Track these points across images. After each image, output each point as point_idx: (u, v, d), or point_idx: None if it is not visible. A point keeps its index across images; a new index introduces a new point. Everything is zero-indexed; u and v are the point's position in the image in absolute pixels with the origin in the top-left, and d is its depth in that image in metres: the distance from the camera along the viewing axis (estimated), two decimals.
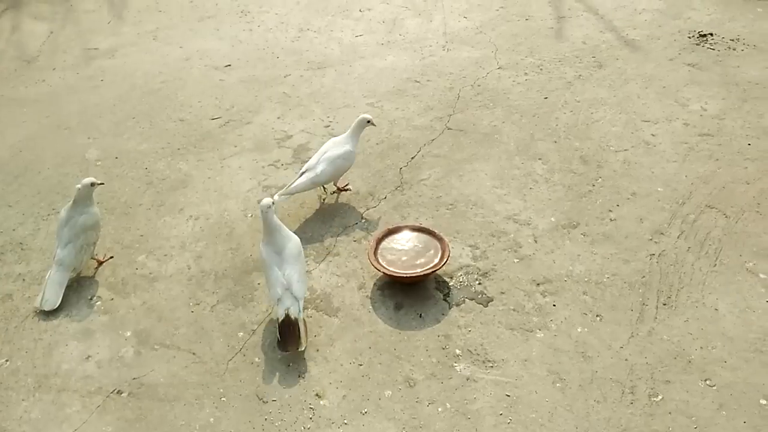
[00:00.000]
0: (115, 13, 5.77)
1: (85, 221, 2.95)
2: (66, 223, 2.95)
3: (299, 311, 2.60)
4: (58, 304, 2.89)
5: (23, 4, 6.04)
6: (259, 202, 2.82)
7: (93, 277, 3.06)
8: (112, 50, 5.14)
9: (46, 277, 2.93)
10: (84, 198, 2.96)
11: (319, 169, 3.21)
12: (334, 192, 3.45)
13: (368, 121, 3.28)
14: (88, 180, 2.97)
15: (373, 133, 3.89)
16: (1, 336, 2.80)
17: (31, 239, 3.31)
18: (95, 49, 5.18)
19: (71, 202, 2.97)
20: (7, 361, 2.69)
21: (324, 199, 3.41)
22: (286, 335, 2.57)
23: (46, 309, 2.89)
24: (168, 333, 2.77)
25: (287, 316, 2.58)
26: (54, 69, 4.92)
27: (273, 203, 2.71)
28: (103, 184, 3.10)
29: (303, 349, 2.57)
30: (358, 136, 3.31)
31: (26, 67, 4.98)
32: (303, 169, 3.27)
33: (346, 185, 3.47)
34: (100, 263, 3.11)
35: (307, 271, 2.87)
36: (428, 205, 3.36)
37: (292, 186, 3.21)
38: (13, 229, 3.38)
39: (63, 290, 2.92)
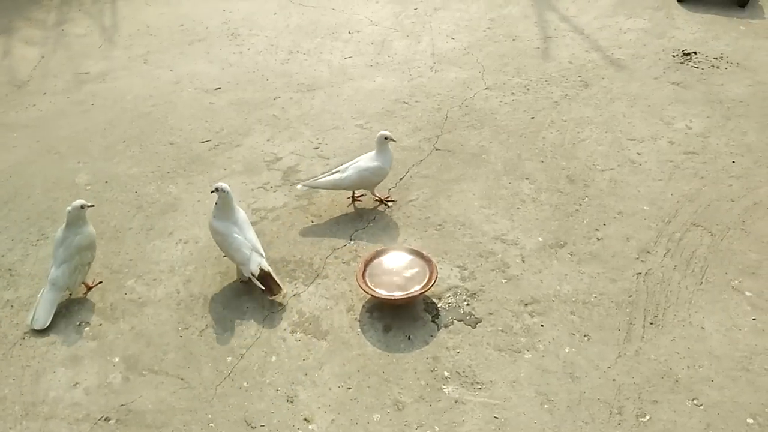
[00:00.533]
0: (107, 37, 5.82)
1: (80, 241, 2.97)
2: (61, 243, 2.97)
3: (266, 264, 2.97)
4: (48, 323, 2.91)
5: (15, 29, 6.08)
6: (218, 189, 2.99)
7: (83, 301, 3.06)
8: (103, 74, 5.17)
9: (39, 295, 2.95)
10: (76, 219, 2.98)
11: (346, 174, 3.35)
12: (376, 200, 3.52)
13: (385, 138, 3.33)
14: (78, 202, 2.99)
15: (362, 153, 3.91)
16: None
17: (20, 265, 3.31)
18: (86, 73, 5.21)
19: (64, 224, 3.00)
20: None
21: (384, 209, 3.50)
22: (269, 284, 2.94)
23: (36, 327, 2.90)
24: (156, 358, 2.77)
25: (261, 269, 2.94)
26: (45, 93, 4.94)
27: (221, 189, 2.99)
28: (93, 206, 3.11)
29: (284, 292, 2.99)
30: (384, 153, 3.37)
31: (17, 92, 5.00)
32: (334, 170, 3.41)
33: (388, 197, 3.54)
34: (89, 288, 3.11)
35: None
36: (417, 225, 3.38)
37: (317, 181, 3.39)
38: (2, 255, 3.38)
39: (54, 309, 2.94)
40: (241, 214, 3.09)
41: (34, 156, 4.20)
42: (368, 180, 3.38)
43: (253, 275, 2.92)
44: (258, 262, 2.94)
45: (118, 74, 5.17)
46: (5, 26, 6.15)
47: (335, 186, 3.40)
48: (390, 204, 3.51)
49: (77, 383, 2.68)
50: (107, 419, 2.53)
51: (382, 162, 3.37)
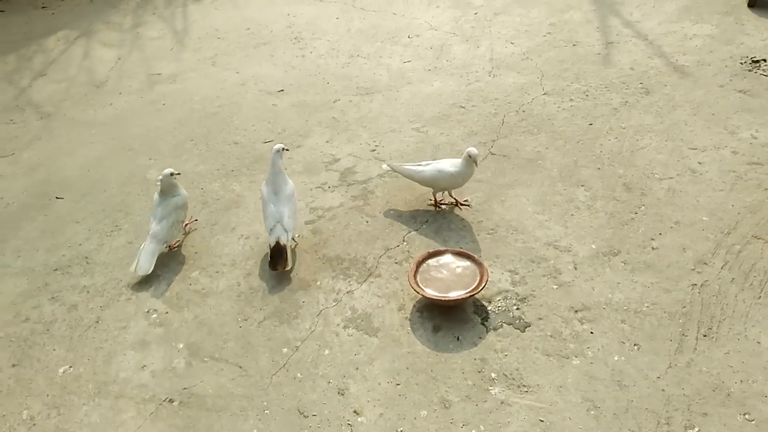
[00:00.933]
0: (178, 40, 6.12)
1: (176, 202, 3.41)
2: (159, 204, 3.39)
3: (288, 240, 3.19)
4: (150, 271, 3.28)
5: (94, 32, 6.47)
6: (278, 150, 3.37)
7: (152, 289, 3.26)
8: (174, 76, 5.45)
9: (141, 248, 3.33)
10: (169, 186, 3.39)
11: (425, 170, 3.46)
12: (450, 202, 3.61)
13: (470, 156, 3.31)
14: (167, 171, 3.38)
15: (419, 157, 4.00)
16: (65, 344, 3.02)
17: (96, 254, 3.55)
18: (158, 74, 5.50)
19: (158, 191, 3.40)
20: (70, 367, 2.90)
21: (461, 206, 3.58)
22: (277, 257, 3.17)
23: (140, 274, 3.29)
24: (217, 346, 2.93)
25: (278, 242, 3.18)
26: (120, 93, 5.25)
27: (283, 149, 3.38)
28: (180, 174, 3.50)
29: (289, 268, 3.22)
30: (465, 168, 3.37)
31: (95, 92, 5.33)
32: (419, 163, 3.53)
33: (466, 200, 3.60)
34: (186, 233, 3.57)
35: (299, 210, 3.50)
36: (469, 229, 3.43)
37: (401, 166, 3.55)
38: (80, 244, 3.64)
39: (155, 259, 3.31)
40: (289, 186, 3.34)
41: (109, 152, 4.48)
42: (439, 181, 3.45)
43: (270, 245, 3.19)
44: (278, 236, 3.19)
45: (187, 76, 5.44)
46: (85, 29, 6.56)
47: (411, 176, 3.53)
48: (467, 206, 3.57)
49: (145, 366, 2.87)
50: (171, 401, 2.71)
51: (458, 172, 3.39)
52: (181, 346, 2.96)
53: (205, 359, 2.88)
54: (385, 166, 3.71)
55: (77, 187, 4.13)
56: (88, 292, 3.31)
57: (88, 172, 4.28)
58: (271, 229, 3.22)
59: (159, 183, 3.39)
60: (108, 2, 7.07)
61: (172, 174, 3.38)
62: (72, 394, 2.78)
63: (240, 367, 2.82)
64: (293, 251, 3.29)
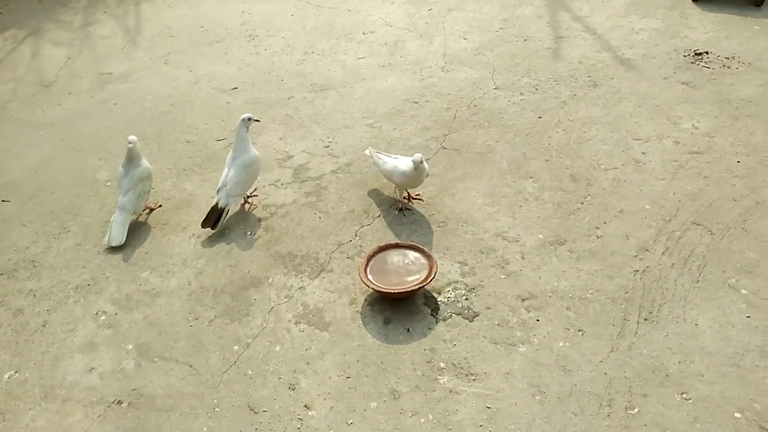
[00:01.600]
0: (130, 39, 6.02)
1: (140, 173, 3.55)
2: (125, 175, 3.53)
3: (226, 204, 3.48)
4: (123, 241, 3.45)
5: (43, 31, 6.32)
6: (243, 119, 3.59)
7: (100, 290, 3.22)
8: (126, 75, 5.36)
9: (111, 219, 3.50)
10: (135, 155, 3.55)
11: (387, 162, 3.53)
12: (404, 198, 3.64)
13: (413, 162, 3.32)
14: (133, 137, 3.55)
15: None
16: (11, 348, 2.96)
17: (43, 257, 3.48)
18: (109, 73, 5.40)
19: (125, 160, 3.55)
20: (16, 372, 2.85)
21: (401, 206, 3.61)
22: (210, 217, 3.47)
23: (113, 245, 3.45)
24: (167, 346, 2.91)
25: (216, 204, 3.48)
26: (70, 93, 5.15)
27: (251, 119, 3.60)
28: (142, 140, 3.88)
29: (215, 230, 3.49)
30: (413, 170, 3.34)
31: (44, 92, 5.21)
32: (395, 156, 3.57)
33: (418, 194, 3.67)
34: (151, 210, 3.71)
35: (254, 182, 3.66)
36: (420, 222, 3.47)
37: (377, 154, 3.64)
38: (26, 247, 3.57)
39: (126, 229, 3.48)
40: (248, 156, 3.55)
41: (58, 153, 4.39)
42: (392, 177, 3.49)
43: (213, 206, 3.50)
44: (218, 198, 3.49)
45: (139, 74, 5.36)
46: (34, 28, 6.40)
47: (377, 165, 3.62)
48: (419, 200, 3.63)
49: (93, 368, 2.84)
50: (120, 402, 2.68)
51: (407, 173, 3.36)
52: (130, 347, 2.93)
53: (155, 359, 2.85)
54: (367, 151, 3.80)
55: (24, 190, 4.05)
56: (34, 295, 3.25)
57: (36, 174, 4.19)
58: (217, 190, 3.51)
59: (127, 150, 3.53)
60: (58, 1, 6.91)
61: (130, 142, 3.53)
62: (17, 400, 2.73)
63: (190, 366, 2.81)
64: (226, 215, 3.50)
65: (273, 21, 6.06)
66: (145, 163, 3.62)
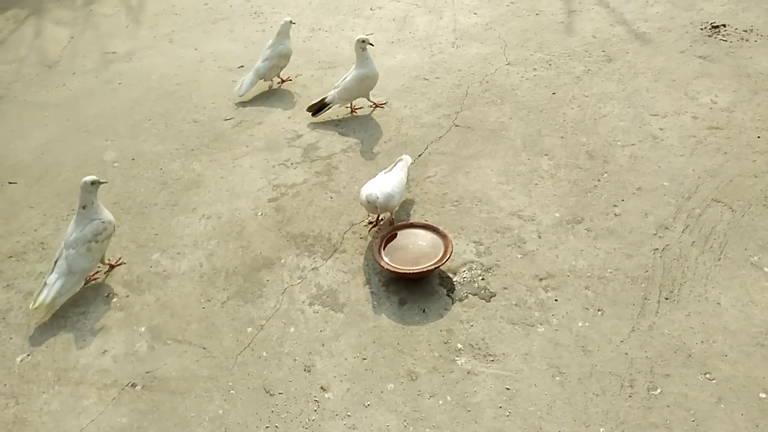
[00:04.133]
0: (133, 17, 5.92)
1: (95, 228, 3.01)
2: (74, 229, 3.00)
3: (332, 101, 4.07)
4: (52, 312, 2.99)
5: (45, 10, 6.22)
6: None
7: (111, 273, 3.18)
8: (130, 54, 5.27)
9: (47, 281, 2.94)
10: (87, 202, 3.03)
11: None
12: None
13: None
14: (91, 178, 3.03)
15: (382, 131, 3.96)
16: (23, 332, 2.93)
17: (52, 239, 3.44)
18: (113, 52, 5.32)
19: (78, 206, 3.04)
20: (28, 355, 2.82)
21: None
22: (316, 105, 4.10)
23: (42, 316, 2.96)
24: (180, 328, 2.87)
25: (325, 97, 4.05)
26: (74, 73, 5.07)
27: (365, 41, 3.92)
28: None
29: (314, 117, 4.15)
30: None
31: (48, 72, 5.14)
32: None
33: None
34: (111, 266, 3.21)
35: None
36: (434, 201, 3.41)
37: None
38: (35, 230, 3.52)
39: (63, 299, 2.97)
40: (364, 70, 3.96)
41: (64, 134, 4.33)
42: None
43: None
44: (330, 93, 4.11)
45: (144, 53, 5.27)
46: (36, 7, 6.30)
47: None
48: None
49: (106, 351, 2.81)
50: (134, 385, 2.65)
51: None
52: (142, 329, 2.89)
53: (168, 342, 2.82)
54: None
55: (30, 171, 3.99)
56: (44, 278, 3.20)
57: (42, 155, 4.14)
58: (335, 86, 4.05)
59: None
60: None
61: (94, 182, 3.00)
62: (31, 383, 2.70)
63: (204, 348, 2.77)
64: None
65: None
66: (104, 216, 3.06)
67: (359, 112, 4.18)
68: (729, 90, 4.01)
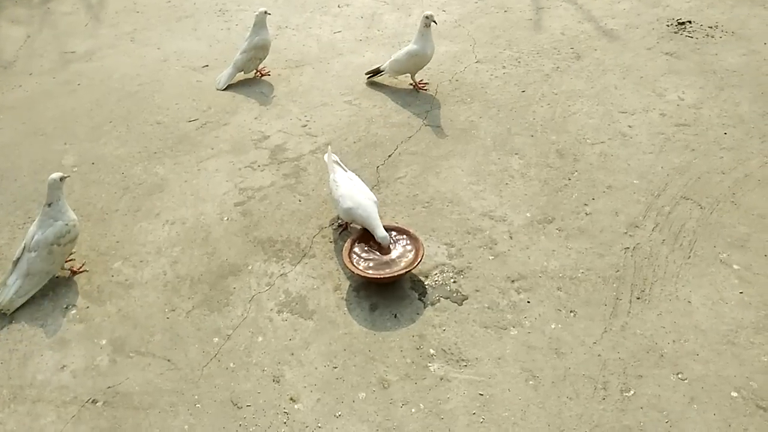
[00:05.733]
0: (93, 15, 5.73)
1: (58, 231, 2.94)
2: (35, 230, 2.93)
3: (384, 70, 4.21)
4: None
5: (0, 8, 5.99)
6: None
7: (70, 284, 3.05)
8: (90, 53, 5.10)
9: (5, 282, 2.92)
10: (54, 199, 2.97)
11: (340, 185, 3.09)
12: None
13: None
14: (56, 175, 2.96)
15: (352, 131, 3.89)
16: None
17: (7, 248, 3.29)
18: (72, 52, 5.14)
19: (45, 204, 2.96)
20: None
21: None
22: (372, 70, 4.34)
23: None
24: (143, 340, 2.77)
25: (381, 65, 4.25)
26: (31, 74, 4.88)
27: (430, 17, 3.93)
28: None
29: (367, 80, 4.36)
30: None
31: (2, 73, 4.93)
32: (346, 172, 3.21)
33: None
34: (74, 272, 3.11)
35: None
36: (405, 203, 3.35)
37: (333, 163, 3.21)
38: None
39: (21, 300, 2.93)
40: (416, 47, 3.97)
41: (20, 138, 4.16)
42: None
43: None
44: (385, 62, 4.24)
45: (104, 53, 5.10)
46: None
47: (331, 191, 3.15)
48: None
49: (64, 366, 2.69)
50: (94, 401, 2.54)
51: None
52: (104, 342, 2.78)
53: (131, 354, 2.72)
54: (325, 156, 3.31)
55: None
56: None
57: None
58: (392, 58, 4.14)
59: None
60: None
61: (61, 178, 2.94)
62: None
63: (168, 360, 2.68)
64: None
65: None
66: (67, 217, 2.97)
67: (329, 111, 4.09)
68: (696, 87, 4.03)
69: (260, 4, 5.55)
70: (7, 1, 6.14)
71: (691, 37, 4.54)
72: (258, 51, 4.36)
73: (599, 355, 2.54)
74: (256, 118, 4.13)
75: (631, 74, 4.22)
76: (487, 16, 5.08)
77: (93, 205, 3.51)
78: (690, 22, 4.70)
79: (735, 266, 2.85)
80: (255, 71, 4.51)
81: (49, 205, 2.96)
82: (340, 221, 3.23)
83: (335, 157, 3.26)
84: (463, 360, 2.57)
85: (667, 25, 4.70)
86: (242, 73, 4.46)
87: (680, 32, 4.61)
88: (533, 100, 4.04)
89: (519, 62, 4.44)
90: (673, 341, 2.57)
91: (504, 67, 4.40)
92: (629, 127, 3.74)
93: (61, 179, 2.96)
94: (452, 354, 2.60)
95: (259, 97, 4.34)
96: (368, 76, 4.34)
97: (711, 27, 4.61)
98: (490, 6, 5.21)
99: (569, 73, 4.28)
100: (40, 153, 3.99)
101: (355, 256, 2.92)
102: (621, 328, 2.63)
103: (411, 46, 4.03)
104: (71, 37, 5.39)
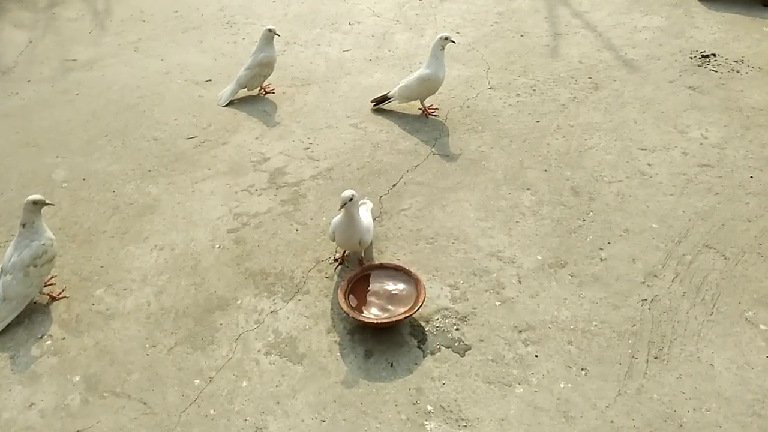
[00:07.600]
0: (98, 22, 5.60)
1: (37, 250, 2.77)
2: (16, 247, 2.79)
3: (392, 97, 4.01)
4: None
5: (4, 11, 5.87)
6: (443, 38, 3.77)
7: (47, 311, 2.86)
8: (91, 62, 4.95)
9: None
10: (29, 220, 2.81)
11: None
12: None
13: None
14: (35, 197, 2.80)
15: (356, 156, 3.70)
16: None
17: None
18: (73, 60, 4.99)
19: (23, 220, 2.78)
20: None
21: None
22: (379, 98, 4.09)
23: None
24: (119, 379, 2.57)
25: (389, 92, 4.04)
26: (29, 81, 4.74)
27: (448, 38, 3.79)
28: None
29: (374, 107, 4.12)
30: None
31: (0, 79, 4.79)
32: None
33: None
34: (53, 299, 2.92)
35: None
36: (408, 238, 3.15)
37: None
38: None
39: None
40: (428, 71, 3.81)
41: (11, 148, 4.00)
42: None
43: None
44: (394, 89, 4.07)
45: (106, 62, 4.95)
46: None
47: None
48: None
49: (33, 404, 2.49)
50: None
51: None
52: (77, 378, 2.58)
53: (105, 394, 2.52)
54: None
55: None
56: None
57: None
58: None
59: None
60: None
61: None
62: None
63: (144, 403, 2.48)
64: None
65: (253, 7, 5.68)
66: (44, 237, 2.81)
67: (333, 134, 3.91)
68: (720, 124, 3.82)
69: (269, 18, 5.42)
70: (12, 3, 6.02)
71: (716, 71, 4.34)
72: (263, 68, 4.19)
73: (612, 422, 2.32)
74: (256, 138, 3.95)
75: (651, 108, 4.02)
76: (502, 40, 4.90)
77: (80, 225, 3.34)
78: (714, 55, 4.50)
79: (762, 326, 2.63)
80: (259, 88, 4.34)
81: (23, 225, 2.78)
82: (336, 254, 3.04)
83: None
84: (462, 419, 2.36)
85: (691, 58, 4.51)
86: (245, 89, 4.29)
87: (704, 65, 4.41)
88: (548, 131, 3.85)
89: (534, 90, 4.25)
90: (694, 409, 2.35)
91: (518, 95, 4.21)
92: (649, 165, 3.54)
93: (35, 203, 2.77)
94: (451, 412, 2.38)
95: (262, 116, 4.17)
96: (374, 104, 4.10)
97: (736, 61, 4.42)
98: (506, 29, 5.04)
99: (586, 105, 4.08)
100: (31, 165, 3.83)
101: (352, 296, 2.72)
102: (636, 392, 2.41)
103: (423, 71, 3.84)
104: (74, 45, 5.25)
